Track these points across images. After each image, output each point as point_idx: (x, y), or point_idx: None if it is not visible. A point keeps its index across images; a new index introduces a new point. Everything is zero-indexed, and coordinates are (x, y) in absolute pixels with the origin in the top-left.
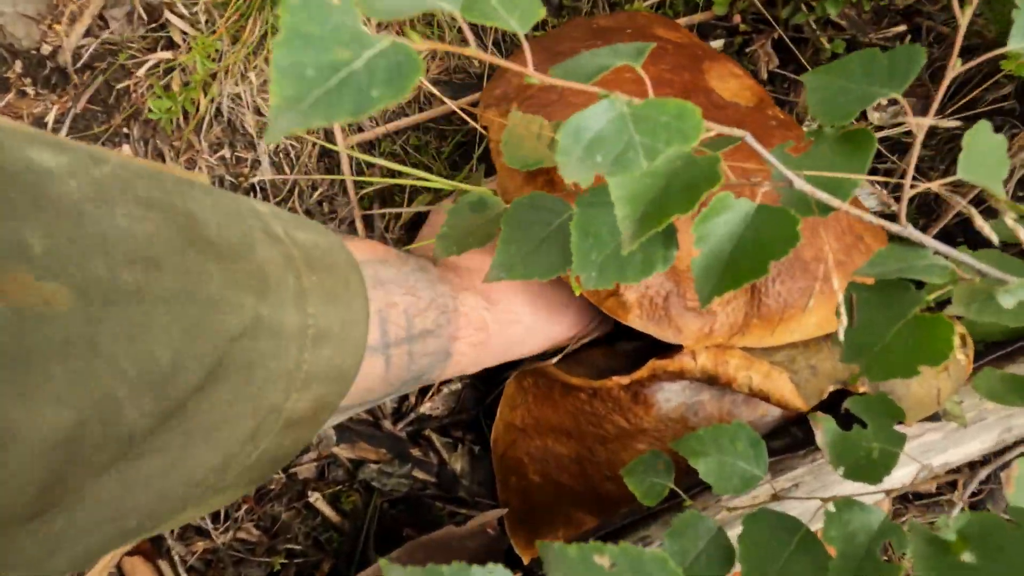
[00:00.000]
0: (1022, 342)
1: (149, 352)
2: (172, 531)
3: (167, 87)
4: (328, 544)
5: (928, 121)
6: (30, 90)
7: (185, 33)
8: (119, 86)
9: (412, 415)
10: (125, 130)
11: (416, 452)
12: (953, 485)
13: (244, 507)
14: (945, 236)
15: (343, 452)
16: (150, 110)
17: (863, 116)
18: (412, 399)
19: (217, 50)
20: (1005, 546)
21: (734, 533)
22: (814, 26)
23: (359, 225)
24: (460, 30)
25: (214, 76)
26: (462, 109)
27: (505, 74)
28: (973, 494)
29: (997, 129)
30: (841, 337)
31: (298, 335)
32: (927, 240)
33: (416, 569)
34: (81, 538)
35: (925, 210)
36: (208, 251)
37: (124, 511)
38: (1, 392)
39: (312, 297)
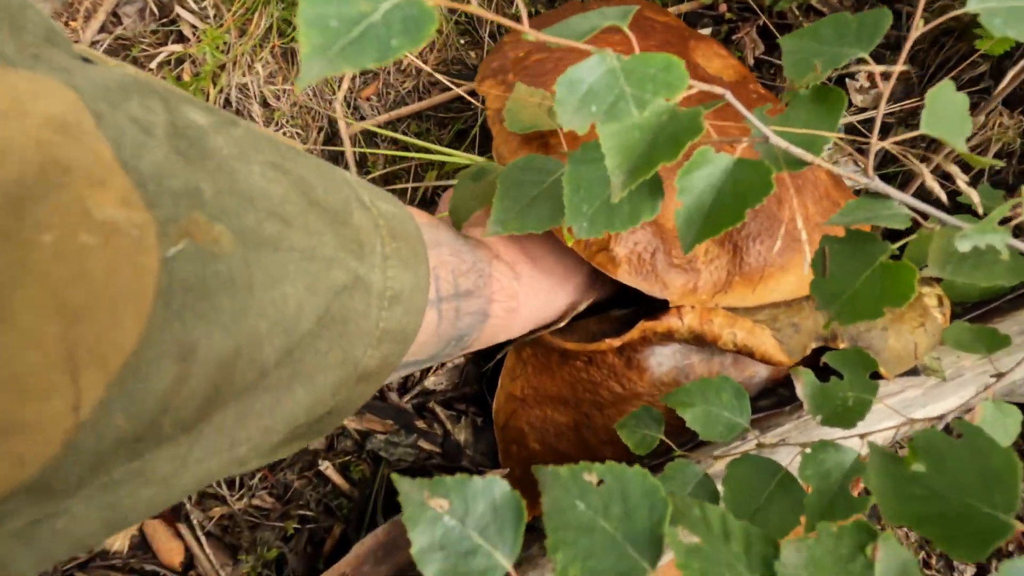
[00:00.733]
0: (996, 303)
1: (284, 296)
2: (190, 497)
3: (178, 78)
4: (338, 510)
5: (898, 68)
6: None
7: (194, 27)
8: None
9: (417, 389)
10: None
11: (421, 424)
12: None
13: (258, 475)
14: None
15: (352, 423)
16: None
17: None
18: (417, 373)
19: (225, 42)
20: (947, 456)
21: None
22: (797, 12)
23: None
24: (458, 20)
25: (222, 67)
26: (460, 97)
27: (502, 48)
28: None
29: (974, 107)
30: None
31: (380, 296)
32: (891, 191)
33: (423, 480)
34: (205, 459)
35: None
36: (323, 214)
37: (238, 440)
38: (187, 314)
39: (392, 262)
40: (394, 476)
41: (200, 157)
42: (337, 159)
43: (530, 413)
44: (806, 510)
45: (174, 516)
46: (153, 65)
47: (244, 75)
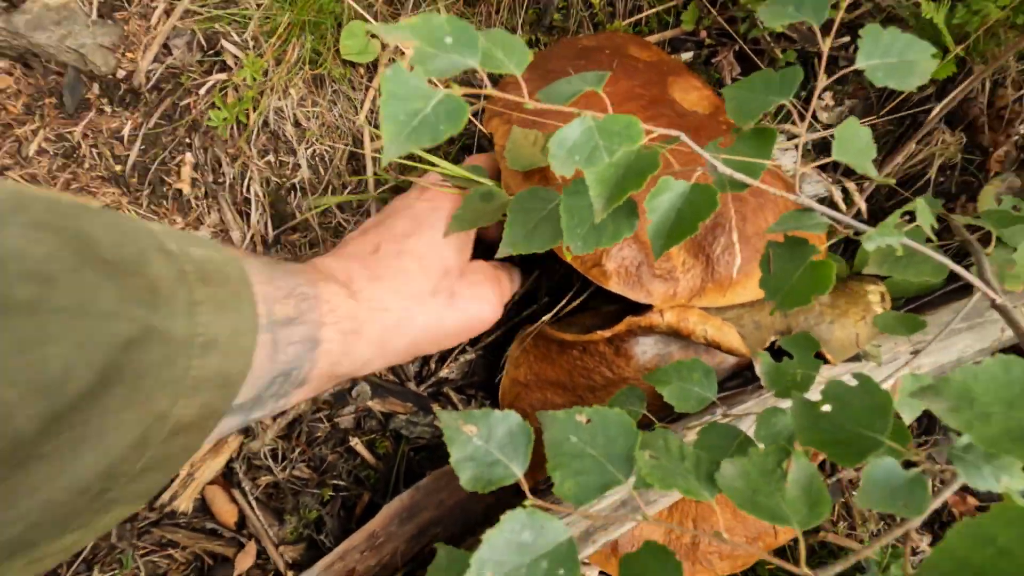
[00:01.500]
0: (930, 297)
1: (41, 360)
2: (241, 467)
3: (223, 101)
4: (367, 480)
5: (826, 46)
6: (107, 108)
7: (237, 57)
8: (182, 103)
9: (432, 379)
10: (188, 140)
11: (436, 407)
12: None
13: (298, 450)
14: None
15: (376, 406)
16: (209, 119)
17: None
18: (432, 365)
19: (264, 71)
20: (846, 397)
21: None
22: (768, 39)
23: (373, 209)
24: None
25: (262, 93)
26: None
27: (506, 89)
28: None
29: (919, 125)
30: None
31: (186, 344)
32: (814, 204)
33: (459, 412)
34: None
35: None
36: (102, 268)
37: (7, 518)
38: None
39: (204, 307)
40: (436, 408)
41: None
42: (359, 173)
43: (532, 396)
44: None
45: (228, 483)
46: (201, 92)
47: (280, 99)
